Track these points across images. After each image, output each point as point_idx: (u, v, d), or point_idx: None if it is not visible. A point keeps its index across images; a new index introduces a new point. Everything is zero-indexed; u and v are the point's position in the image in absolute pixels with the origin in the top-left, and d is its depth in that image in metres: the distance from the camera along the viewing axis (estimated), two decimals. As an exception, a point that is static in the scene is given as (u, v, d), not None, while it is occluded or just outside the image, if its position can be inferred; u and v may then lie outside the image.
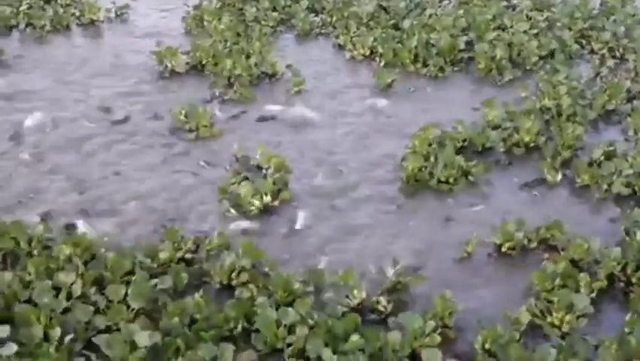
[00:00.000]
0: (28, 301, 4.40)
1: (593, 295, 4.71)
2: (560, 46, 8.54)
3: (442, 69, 8.10)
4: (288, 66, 7.87)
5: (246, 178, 5.81)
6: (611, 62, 8.33)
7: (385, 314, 4.56)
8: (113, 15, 9.42)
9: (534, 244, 5.26)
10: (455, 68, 8.21)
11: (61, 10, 9.31)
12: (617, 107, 7.25)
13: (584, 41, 8.87)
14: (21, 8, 9.23)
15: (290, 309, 4.34)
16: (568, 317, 4.47)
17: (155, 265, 4.78)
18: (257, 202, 5.58)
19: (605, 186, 5.97)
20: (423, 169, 6.02)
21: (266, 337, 4.23)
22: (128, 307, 4.39)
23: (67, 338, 4.12)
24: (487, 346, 4.26)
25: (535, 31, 8.95)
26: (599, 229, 5.47)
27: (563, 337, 4.39)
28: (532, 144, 6.52)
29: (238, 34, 8.60)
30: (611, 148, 6.34)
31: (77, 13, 9.31)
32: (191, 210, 5.64)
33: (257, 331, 4.28)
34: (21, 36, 8.84)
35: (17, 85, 7.52)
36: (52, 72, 7.87)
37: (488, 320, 4.38)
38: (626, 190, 5.91)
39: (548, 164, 6.20)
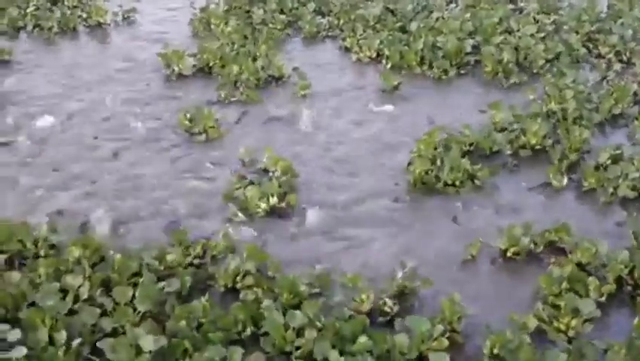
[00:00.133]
0: (35, 303, 4.41)
1: (603, 299, 4.71)
2: (567, 49, 8.54)
3: (448, 72, 8.10)
4: (295, 69, 7.87)
5: (251, 183, 5.82)
6: (617, 66, 8.31)
7: (391, 315, 4.56)
8: (120, 18, 9.44)
9: (540, 248, 5.25)
10: (462, 71, 8.21)
11: (68, 12, 9.34)
12: (624, 111, 7.24)
13: (591, 45, 8.86)
14: (28, 10, 9.27)
15: (298, 312, 4.34)
16: (574, 322, 4.47)
17: (162, 268, 4.79)
18: (263, 205, 5.58)
19: (611, 190, 5.97)
20: (429, 172, 6.02)
21: (274, 339, 4.24)
22: (135, 309, 4.39)
23: (76, 342, 4.13)
24: (495, 351, 4.27)
25: (542, 34, 8.95)
26: (605, 233, 5.47)
27: (569, 341, 4.38)
28: (538, 147, 6.52)
29: (245, 37, 8.61)
30: (618, 152, 6.33)
31: (84, 16, 9.34)
32: (199, 212, 5.64)
33: (265, 334, 4.28)
34: (28, 38, 8.86)
35: (25, 87, 7.54)
36: (59, 74, 7.89)
37: (495, 325, 4.39)
38: (632, 193, 5.90)
39: (555, 167, 6.20)
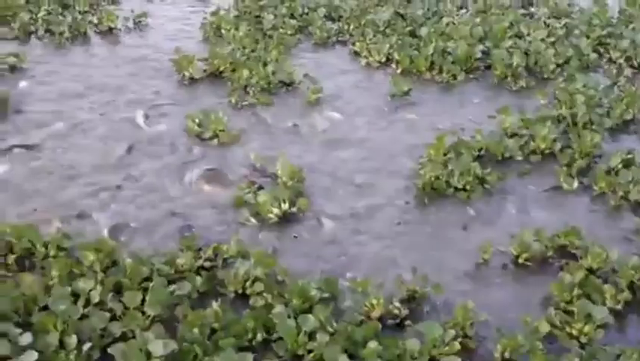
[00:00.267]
0: (47, 307, 4.42)
1: (619, 306, 4.71)
2: (578, 54, 8.53)
3: (458, 77, 8.10)
4: (306, 75, 7.88)
5: (261, 187, 5.83)
6: (628, 71, 8.31)
7: (401, 319, 4.56)
8: (130, 23, 9.46)
9: (550, 252, 5.25)
10: (471, 76, 8.21)
11: (79, 17, 9.37)
12: (636, 116, 7.24)
13: (601, 49, 8.85)
14: (39, 15, 9.29)
15: (310, 316, 4.35)
16: (587, 328, 4.46)
17: (173, 272, 4.79)
18: (275, 210, 5.58)
19: (621, 194, 5.95)
20: (440, 177, 6.02)
21: (287, 343, 4.24)
22: (144, 313, 4.40)
23: (86, 347, 4.14)
24: (506, 355, 4.26)
25: (552, 39, 8.94)
26: (616, 237, 5.47)
27: (582, 347, 4.38)
28: (548, 151, 6.52)
29: (256, 42, 8.63)
30: (630, 156, 6.33)
31: (95, 21, 9.36)
32: (211, 217, 5.65)
33: (278, 339, 4.28)
34: (40, 42, 8.89)
35: (37, 91, 7.56)
36: (70, 79, 7.90)
37: (506, 329, 4.39)
38: (643, 198, 5.91)
39: (565, 171, 6.19)
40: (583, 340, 4.44)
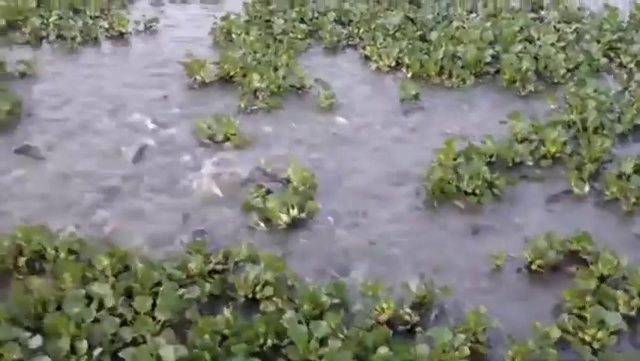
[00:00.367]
0: (59, 309, 4.43)
1: (633, 313, 4.70)
2: (588, 59, 8.51)
3: (467, 81, 8.10)
4: (317, 80, 7.87)
5: (269, 191, 5.83)
6: (639, 76, 8.27)
7: (412, 324, 4.55)
8: (141, 27, 9.49)
9: (561, 257, 5.23)
10: (481, 81, 8.21)
11: (90, 22, 9.41)
12: (647, 121, 7.22)
13: (612, 54, 8.82)
14: (51, 20, 9.34)
15: (322, 322, 4.35)
16: (600, 334, 4.45)
17: (185, 276, 4.79)
18: (284, 215, 5.59)
19: (633, 200, 5.93)
20: (450, 182, 6.01)
21: (298, 349, 4.24)
22: (154, 318, 4.40)
23: (97, 352, 4.15)
24: (517, 361, 4.27)
25: (562, 43, 8.93)
26: (627, 243, 5.46)
27: (594, 353, 4.36)
28: (559, 155, 6.51)
29: (267, 46, 8.64)
30: (641, 161, 6.32)
31: (106, 25, 9.40)
32: (221, 221, 5.66)
33: (290, 344, 4.27)
34: (51, 47, 8.93)
35: (49, 95, 7.60)
36: (82, 83, 7.94)
37: (518, 335, 4.38)
38: (655, 204, 5.89)
39: (576, 175, 6.18)
40: (596, 346, 4.42)
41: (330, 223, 5.66)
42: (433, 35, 8.93)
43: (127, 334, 4.31)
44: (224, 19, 9.43)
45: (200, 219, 5.66)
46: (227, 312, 4.45)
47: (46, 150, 6.57)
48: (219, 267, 4.97)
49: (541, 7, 10.44)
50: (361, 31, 9.36)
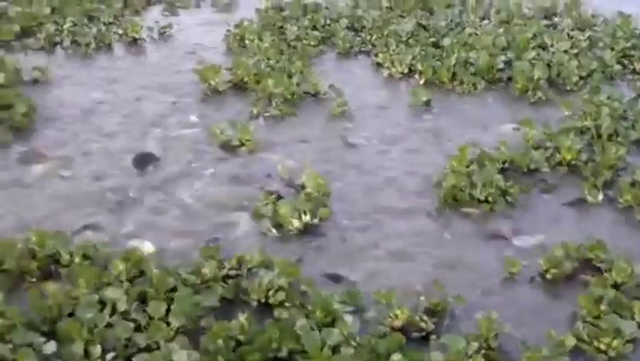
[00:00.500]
0: (73, 314, 4.44)
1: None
2: (601, 66, 8.49)
3: (479, 87, 8.10)
4: (331, 86, 7.88)
5: (280, 197, 5.84)
6: (652, 83, 8.27)
7: (426, 332, 4.54)
8: (155, 33, 9.54)
9: (575, 264, 5.21)
10: (493, 87, 8.21)
11: (104, 29, 9.46)
12: (661, 129, 7.19)
13: (625, 61, 8.80)
14: (65, 26, 9.39)
15: (335, 330, 4.34)
16: (615, 342, 4.43)
17: (199, 282, 4.80)
18: (296, 222, 5.59)
19: (648, 208, 5.93)
20: (463, 189, 6.00)
21: (312, 357, 4.24)
22: (168, 324, 4.40)
23: (110, 356, 4.15)
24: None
25: (576, 50, 8.91)
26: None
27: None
28: (574, 162, 6.49)
29: (281, 52, 8.66)
30: (655, 170, 6.29)
31: (120, 32, 9.45)
32: (235, 227, 5.67)
33: (303, 352, 4.26)
34: (65, 53, 8.98)
35: (64, 100, 7.64)
36: (96, 89, 7.98)
37: (531, 342, 4.37)
38: (670, 212, 5.86)
39: (590, 183, 6.16)
40: (611, 354, 4.40)
41: (342, 228, 5.66)
42: (446, 42, 8.93)
43: (141, 340, 4.31)
44: (237, 26, 9.46)
45: (212, 225, 5.67)
46: (242, 317, 4.45)
47: (60, 153, 6.61)
48: (233, 272, 4.97)
49: (555, 14, 10.43)
50: (374, 37, 9.37)
